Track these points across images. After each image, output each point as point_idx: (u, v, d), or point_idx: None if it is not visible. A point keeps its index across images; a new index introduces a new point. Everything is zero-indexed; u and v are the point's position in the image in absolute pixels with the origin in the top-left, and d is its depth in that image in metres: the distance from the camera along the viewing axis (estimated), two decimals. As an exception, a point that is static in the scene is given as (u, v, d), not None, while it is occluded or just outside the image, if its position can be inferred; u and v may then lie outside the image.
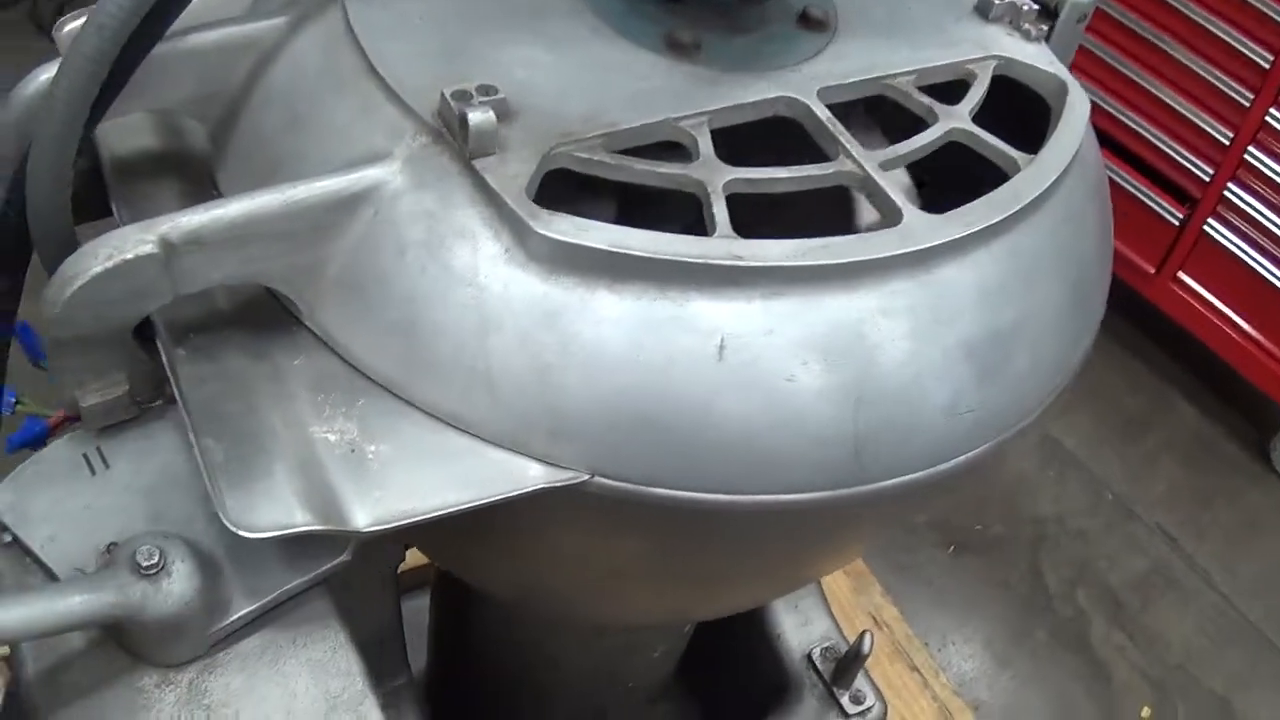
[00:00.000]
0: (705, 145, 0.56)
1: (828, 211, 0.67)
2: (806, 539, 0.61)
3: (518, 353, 0.52)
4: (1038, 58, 0.68)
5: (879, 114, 0.70)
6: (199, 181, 0.64)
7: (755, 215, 0.56)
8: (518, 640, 0.93)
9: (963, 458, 0.56)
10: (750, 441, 0.52)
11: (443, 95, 0.54)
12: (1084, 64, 2.10)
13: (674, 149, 0.58)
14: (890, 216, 0.56)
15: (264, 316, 0.57)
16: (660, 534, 0.58)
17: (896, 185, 0.57)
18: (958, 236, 0.55)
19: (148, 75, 0.59)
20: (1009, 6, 0.70)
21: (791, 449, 0.53)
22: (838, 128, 0.59)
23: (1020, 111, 0.68)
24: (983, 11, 0.71)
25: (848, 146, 0.58)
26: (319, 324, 0.56)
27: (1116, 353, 2.37)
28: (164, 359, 0.55)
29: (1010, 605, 1.97)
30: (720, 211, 0.53)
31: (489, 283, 0.53)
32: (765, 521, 0.56)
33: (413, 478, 0.52)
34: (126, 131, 0.65)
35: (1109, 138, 2.14)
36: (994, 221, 0.56)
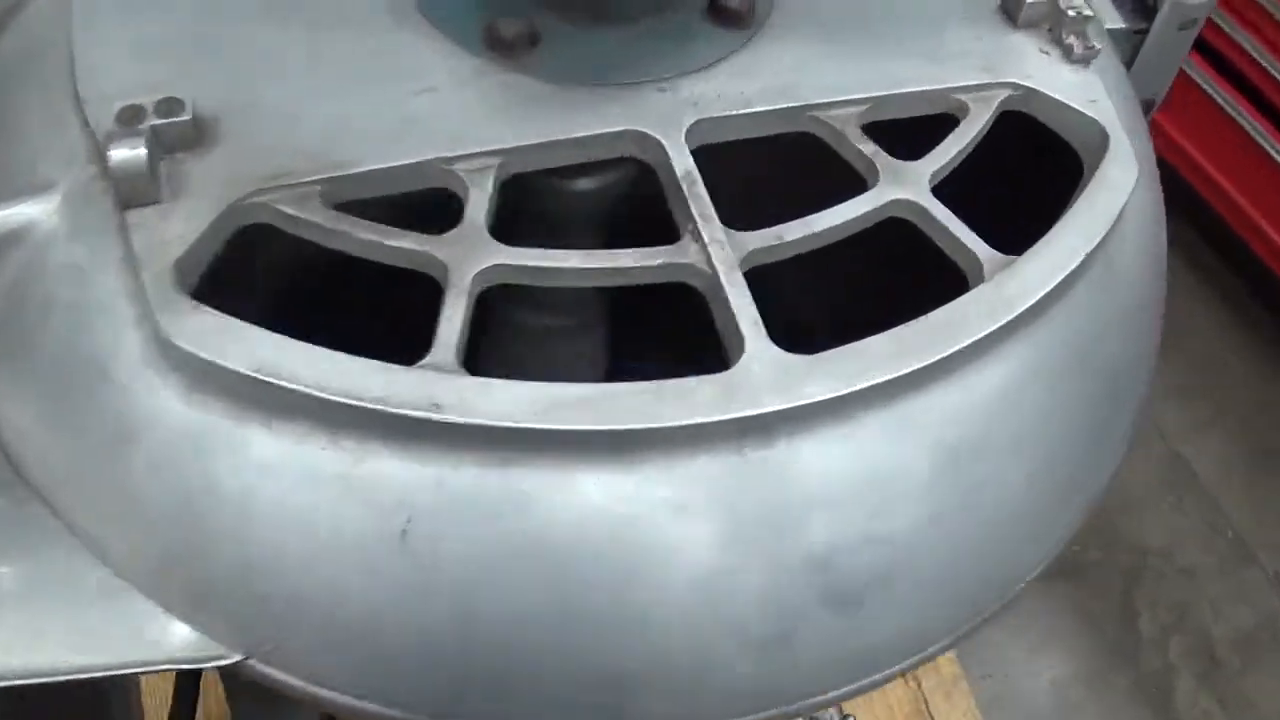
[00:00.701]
0: (475, 206, 0.37)
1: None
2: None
3: (156, 481, 0.35)
4: (1075, 89, 0.44)
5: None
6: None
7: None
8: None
9: (777, 710, 0.36)
10: (433, 661, 0.34)
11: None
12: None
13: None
14: (730, 348, 0.35)
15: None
16: None
17: (749, 296, 0.35)
18: (827, 398, 0.34)
19: None
20: (1046, 7, 0.46)
21: (497, 684, 0.34)
22: (695, 189, 0.38)
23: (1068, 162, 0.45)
24: (1009, 11, 0.47)
25: (699, 223, 0.37)
26: (-26, 391, 0.41)
27: (1266, 368, 1.99)
28: None
29: (1094, 644, 1.69)
30: (454, 318, 0.34)
31: (130, 382, 0.35)
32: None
33: (24, 620, 0.37)
34: None
35: (1262, 97, 1.55)
36: (900, 374, 0.34)
